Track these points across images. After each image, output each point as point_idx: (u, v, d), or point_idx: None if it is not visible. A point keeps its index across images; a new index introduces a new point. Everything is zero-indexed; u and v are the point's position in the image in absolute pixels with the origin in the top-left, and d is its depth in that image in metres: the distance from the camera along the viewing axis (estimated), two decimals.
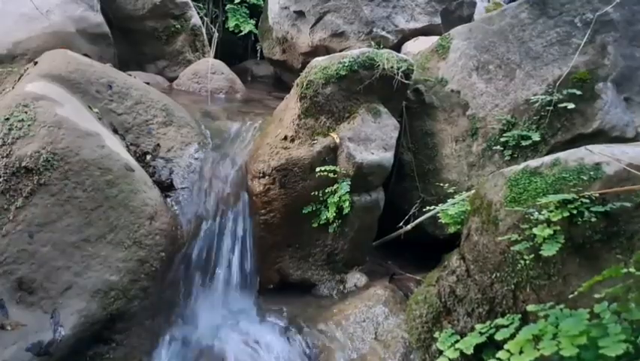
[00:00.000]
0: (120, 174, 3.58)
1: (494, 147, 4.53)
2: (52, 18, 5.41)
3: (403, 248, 4.75)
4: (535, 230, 2.88)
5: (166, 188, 3.95)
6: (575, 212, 2.81)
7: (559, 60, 4.44)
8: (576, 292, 2.54)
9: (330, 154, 4.24)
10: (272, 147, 4.31)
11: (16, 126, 3.37)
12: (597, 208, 2.78)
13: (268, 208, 4.27)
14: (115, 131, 4.01)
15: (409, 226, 4.56)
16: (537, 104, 4.38)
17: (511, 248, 3.02)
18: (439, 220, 3.97)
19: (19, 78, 4.01)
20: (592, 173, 2.92)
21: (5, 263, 3.16)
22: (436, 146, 4.86)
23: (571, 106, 4.23)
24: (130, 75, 4.56)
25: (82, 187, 3.42)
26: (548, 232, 2.83)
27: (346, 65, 4.27)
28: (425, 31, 6.41)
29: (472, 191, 3.79)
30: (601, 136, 4.26)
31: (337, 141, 4.23)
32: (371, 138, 4.28)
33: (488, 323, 3.09)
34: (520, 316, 2.99)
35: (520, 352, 2.41)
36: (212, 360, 3.72)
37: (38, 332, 3.13)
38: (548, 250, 2.78)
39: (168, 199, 3.90)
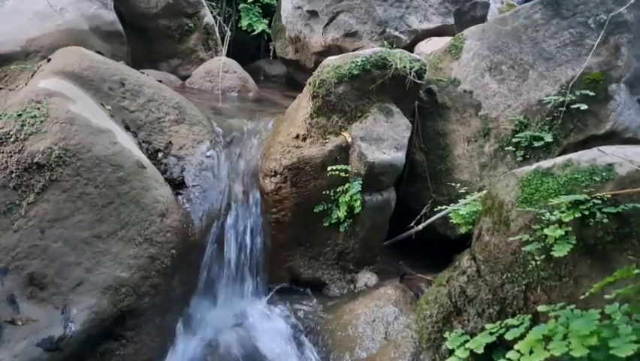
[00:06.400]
0: (132, 171, 3.58)
1: (506, 148, 4.52)
2: (66, 15, 5.42)
3: (414, 248, 4.74)
4: (546, 231, 2.87)
5: (177, 186, 3.95)
6: (586, 213, 2.80)
7: (572, 61, 4.42)
8: (587, 293, 2.53)
9: (342, 153, 4.24)
10: (284, 146, 4.32)
11: (28, 122, 3.37)
12: (609, 209, 2.76)
13: (279, 207, 4.28)
14: (127, 128, 4.01)
15: (420, 226, 4.56)
16: (550, 105, 4.37)
17: (523, 249, 3.00)
18: (451, 220, 3.97)
19: (33, 75, 4.03)
20: (604, 174, 2.91)
21: (17, 258, 3.16)
22: (448, 146, 4.86)
23: (584, 107, 4.21)
24: (143, 73, 4.57)
25: (93, 184, 3.42)
26: (560, 232, 2.82)
27: (359, 64, 4.27)
28: (438, 32, 6.39)
29: (484, 191, 3.78)
30: (614, 137, 4.24)
31: (349, 140, 4.23)
32: (383, 138, 4.28)
33: (498, 323, 3.07)
34: (530, 316, 2.98)
35: (531, 352, 2.40)
36: (223, 358, 3.73)
37: (49, 327, 3.13)
38: (560, 251, 2.77)
39: (180, 197, 3.89)
